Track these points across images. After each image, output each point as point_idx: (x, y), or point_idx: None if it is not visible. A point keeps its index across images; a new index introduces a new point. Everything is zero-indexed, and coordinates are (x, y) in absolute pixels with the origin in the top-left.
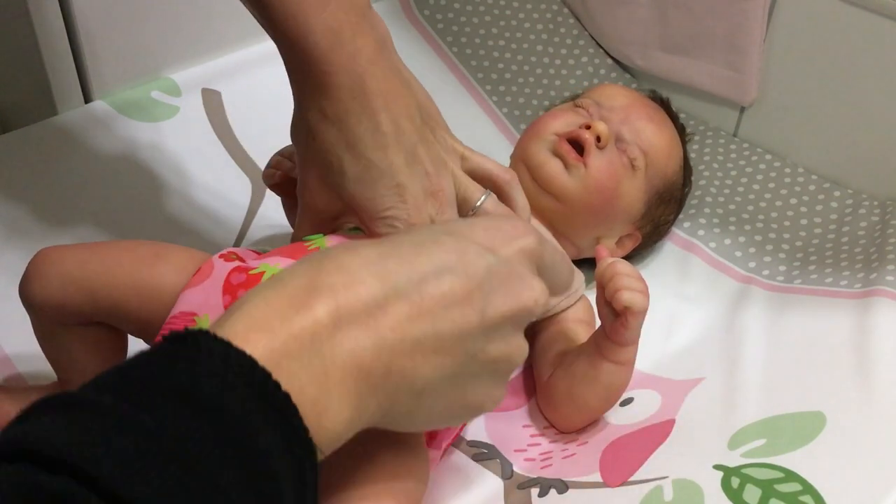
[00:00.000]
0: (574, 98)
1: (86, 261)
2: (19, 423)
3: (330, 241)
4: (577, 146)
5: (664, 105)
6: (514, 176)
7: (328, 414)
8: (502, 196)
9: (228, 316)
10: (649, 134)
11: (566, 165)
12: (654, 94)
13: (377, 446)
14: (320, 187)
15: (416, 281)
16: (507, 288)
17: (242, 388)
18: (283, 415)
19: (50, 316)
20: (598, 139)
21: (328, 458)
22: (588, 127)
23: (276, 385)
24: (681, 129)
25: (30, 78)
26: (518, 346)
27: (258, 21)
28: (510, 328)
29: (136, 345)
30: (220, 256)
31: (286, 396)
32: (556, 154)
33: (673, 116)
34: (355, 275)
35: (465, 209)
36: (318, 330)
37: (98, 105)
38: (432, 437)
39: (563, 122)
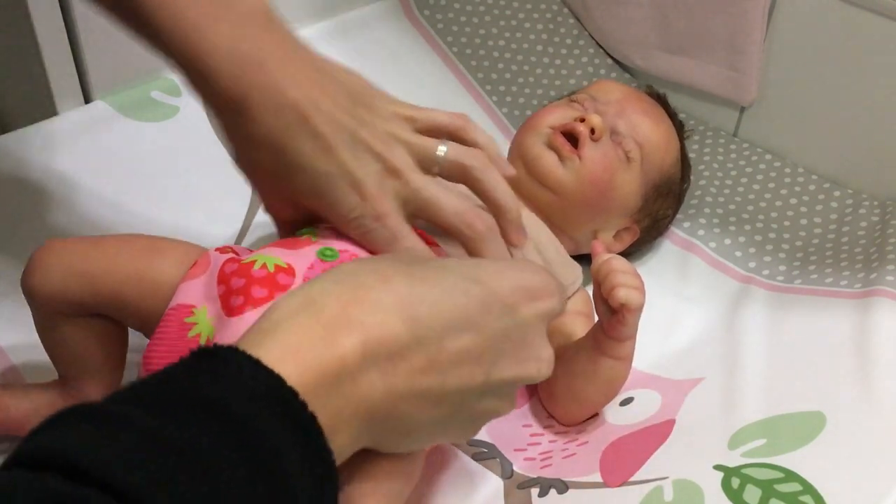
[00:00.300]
0: (570, 94)
1: (87, 252)
2: (44, 431)
3: (322, 232)
4: (572, 139)
5: (661, 100)
6: (466, 119)
7: (332, 445)
8: (463, 143)
9: (262, 337)
10: (645, 127)
11: (561, 158)
12: (651, 89)
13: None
14: (282, 204)
15: (438, 334)
16: (516, 354)
17: (270, 406)
18: (309, 435)
19: (51, 307)
20: (593, 131)
21: None
22: (582, 120)
23: (303, 405)
24: (678, 125)
25: (30, 78)
26: (506, 404)
27: (154, 49)
28: (507, 389)
29: (135, 338)
30: (217, 250)
31: (312, 417)
32: (551, 147)
33: (670, 112)
34: (387, 316)
35: (429, 167)
36: (342, 369)
37: (98, 105)
38: None
39: (558, 115)
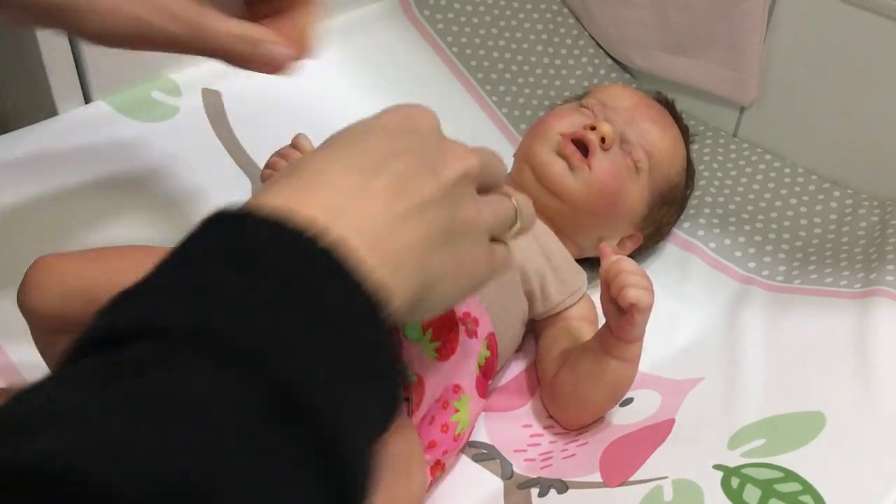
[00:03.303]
0: (579, 98)
1: (85, 270)
2: (114, 311)
3: None
4: (582, 147)
5: (669, 106)
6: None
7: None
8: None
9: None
10: (653, 136)
11: (570, 166)
12: (659, 94)
13: None
14: None
15: (382, 169)
16: (442, 156)
17: (297, 246)
18: (343, 265)
19: (49, 326)
20: (603, 140)
21: None
22: (593, 128)
23: (319, 233)
24: (684, 131)
25: (30, 78)
26: (475, 214)
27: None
28: (466, 190)
29: None
30: None
31: (338, 246)
32: (561, 154)
33: (677, 118)
34: (334, 175)
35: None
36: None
37: (98, 105)
38: (431, 445)
39: (568, 122)
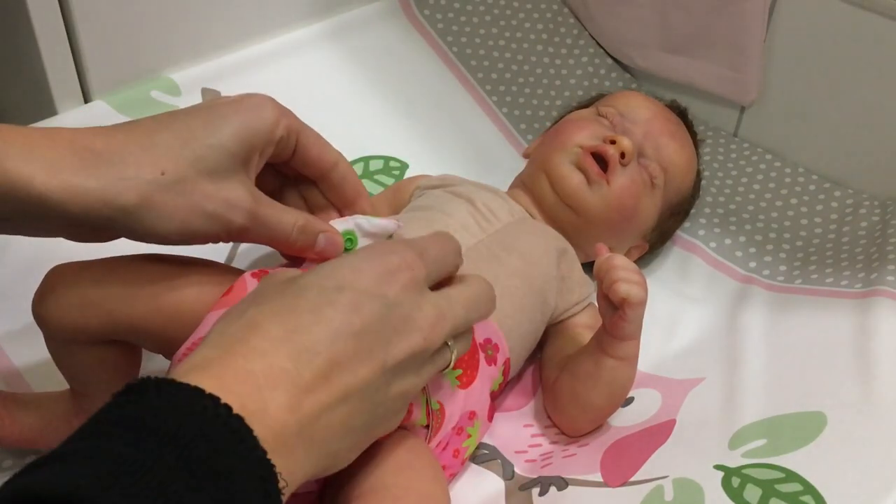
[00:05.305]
0: (595, 100)
1: (103, 281)
2: (20, 477)
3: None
4: (601, 161)
5: (683, 116)
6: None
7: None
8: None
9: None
10: (671, 151)
11: (588, 180)
12: (674, 103)
13: (386, 471)
14: None
15: (325, 352)
16: (399, 333)
17: (196, 414)
18: (239, 435)
19: (65, 336)
20: (623, 156)
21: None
22: (612, 141)
23: (228, 408)
24: (694, 138)
25: (30, 78)
26: (414, 383)
27: None
28: (409, 369)
29: (147, 358)
30: (252, 275)
31: (239, 418)
32: (580, 168)
33: (688, 124)
34: (272, 358)
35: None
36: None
37: (98, 105)
38: (442, 448)
39: (588, 133)
